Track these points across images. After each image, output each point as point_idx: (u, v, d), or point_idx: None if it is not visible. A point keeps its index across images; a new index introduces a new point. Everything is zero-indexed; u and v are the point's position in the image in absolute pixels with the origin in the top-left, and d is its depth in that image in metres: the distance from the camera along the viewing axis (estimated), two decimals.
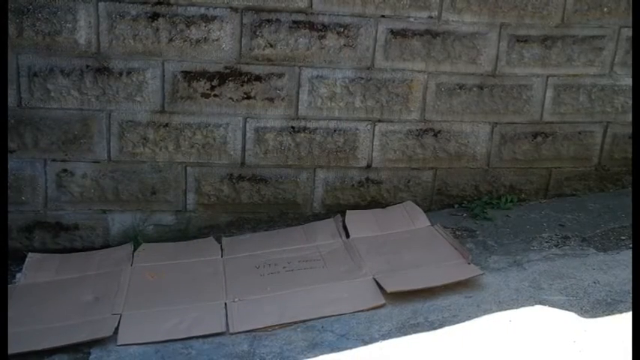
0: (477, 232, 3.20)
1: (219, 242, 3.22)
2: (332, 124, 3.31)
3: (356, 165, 3.39)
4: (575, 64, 3.40)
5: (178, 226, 3.33)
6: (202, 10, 3.06)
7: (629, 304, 2.48)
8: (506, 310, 2.52)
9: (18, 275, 2.97)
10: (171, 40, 3.07)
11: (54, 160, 3.14)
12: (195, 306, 2.67)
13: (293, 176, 3.35)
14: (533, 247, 3.04)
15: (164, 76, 3.12)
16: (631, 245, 2.96)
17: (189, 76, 3.13)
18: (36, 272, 3.00)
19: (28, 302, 2.77)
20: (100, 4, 2.98)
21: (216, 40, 3.10)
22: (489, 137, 3.45)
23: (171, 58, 3.10)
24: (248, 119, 3.24)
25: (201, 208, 3.32)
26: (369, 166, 3.40)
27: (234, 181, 3.31)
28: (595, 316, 2.43)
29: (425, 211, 3.32)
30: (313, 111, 3.27)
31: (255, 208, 3.37)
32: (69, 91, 3.06)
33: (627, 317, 2.40)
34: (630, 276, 2.69)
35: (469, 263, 2.81)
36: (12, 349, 2.32)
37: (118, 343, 2.44)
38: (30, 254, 3.11)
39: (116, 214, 3.26)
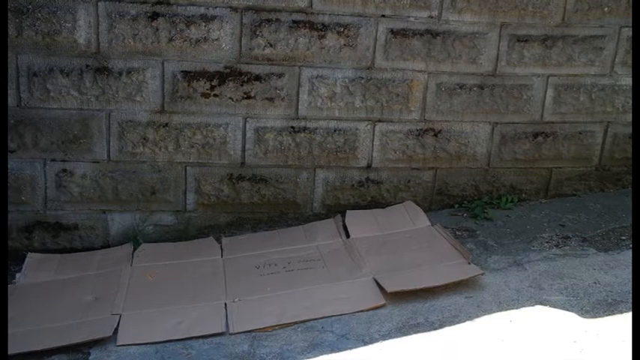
0: (478, 232, 3.20)
1: (219, 242, 3.22)
2: (332, 124, 3.31)
3: (356, 165, 3.38)
4: (575, 64, 3.40)
5: (178, 226, 3.32)
6: (202, 10, 3.06)
7: (630, 305, 2.48)
8: (506, 310, 2.52)
9: (18, 275, 2.97)
10: (171, 39, 3.07)
11: (54, 160, 3.14)
12: (195, 306, 2.67)
13: (293, 176, 3.35)
14: (534, 247, 3.03)
15: (164, 75, 3.11)
16: (631, 245, 2.96)
17: (189, 75, 3.13)
18: (36, 272, 3.00)
19: (28, 302, 2.76)
20: (99, 3, 2.98)
21: (216, 39, 3.10)
22: (490, 137, 3.45)
23: (171, 58, 3.10)
24: (248, 119, 3.24)
25: (201, 208, 3.32)
26: (369, 166, 3.40)
27: (234, 181, 3.31)
28: (596, 317, 2.43)
29: (425, 211, 3.32)
30: (313, 111, 3.27)
31: (255, 208, 3.36)
32: (68, 91, 3.06)
33: (628, 317, 2.40)
34: (631, 276, 2.69)
35: (469, 263, 2.81)
36: (12, 349, 2.32)
37: (118, 344, 2.44)
38: (30, 254, 3.11)
39: (116, 214, 3.26)
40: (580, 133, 3.52)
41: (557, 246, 3.03)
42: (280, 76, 3.19)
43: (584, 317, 2.43)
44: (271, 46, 3.15)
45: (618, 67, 3.44)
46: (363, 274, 2.82)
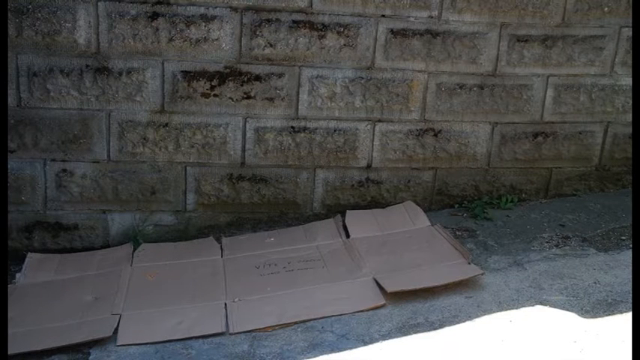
0: (478, 232, 3.20)
1: (219, 242, 3.22)
2: (332, 124, 3.31)
3: (356, 165, 3.38)
4: (575, 64, 3.40)
5: (178, 226, 3.32)
6: (202, 10, 3.06)
7: (630, 304, 2.48)
8: (506, 310, 2.51)
9: (18, 275, 2.97)
10: (171, 39, 3.07)
11: (53, 160, 3.14)
12: (195, 306, 2.67)
13: (293, 176, 3.35)
14: (534, 247, 3.03)
15: (164, 75, 3.11)
16: (631, 245, 2.96)
17: (189, 75, 3.13)
18: (36, 272, 3.00)
19: (28, 302, 2.76)
20: (99, 3, 2.98)
21: (216, 39, 3.10)
22: (490, 137, 3.45)
23: (171, 58, 3.10)
24: (248, 119, 3.24)
25: (201, 208, 3.32)
26: (369, 166, 3.40)
27: (234, 181, 3.31)
28: (595, 317, 2.43)
29: (425, 211, 3.32)
30: (313, 111, 3.27)
31: (255, 208, 3.36)
32: (68, 91, 3.06)
33: (628, 317, 2.39)
34: (631, 276, 2.69)
35: (469, 263, 2.81)
36: (12, 349, 2.32)
37: (118, 344, 2.44)
38: (30, 254, 3.11)
39: (116, 214, 3.26)
40: (580, 133, 3.52)
41: (557, 246, 3.03)
42: (280, 76, 3.19)
43: (584, 317, 2.43)
44: (271, 46, 3.15)
45: (618, 67, 3.44)
46: (363, 274, 2.82)
